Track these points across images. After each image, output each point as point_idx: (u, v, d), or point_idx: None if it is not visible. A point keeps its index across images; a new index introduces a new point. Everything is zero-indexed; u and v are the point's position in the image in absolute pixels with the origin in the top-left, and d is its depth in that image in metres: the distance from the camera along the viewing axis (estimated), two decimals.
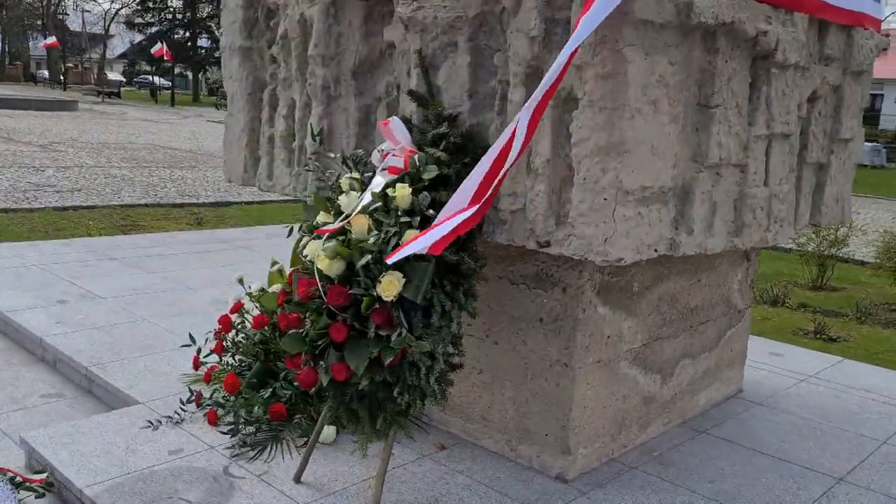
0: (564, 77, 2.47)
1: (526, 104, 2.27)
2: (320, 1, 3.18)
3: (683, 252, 2.71)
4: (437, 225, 2.33)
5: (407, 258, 2.47)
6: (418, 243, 2.27)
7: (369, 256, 2.46)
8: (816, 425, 3.86)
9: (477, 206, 2.32)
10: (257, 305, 3.62)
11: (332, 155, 2.84)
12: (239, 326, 3.70)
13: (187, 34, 51.55)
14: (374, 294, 2.45)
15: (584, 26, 2.22)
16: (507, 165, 2.31)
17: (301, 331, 2.63)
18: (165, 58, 39.01)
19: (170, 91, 45.15)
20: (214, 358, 3.83)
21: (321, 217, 2.74)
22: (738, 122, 2.79)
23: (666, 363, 3.54)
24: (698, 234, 2.75)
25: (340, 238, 2.58)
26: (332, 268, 2.52)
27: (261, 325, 3.48)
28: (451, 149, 2.70)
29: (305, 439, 3.22)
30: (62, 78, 51.56)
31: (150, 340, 4.47)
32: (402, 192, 2.53)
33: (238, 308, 3.74)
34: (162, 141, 20.90)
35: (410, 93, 2.90)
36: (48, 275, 5.84)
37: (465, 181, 2.37)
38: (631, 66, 2.38)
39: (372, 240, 2.47)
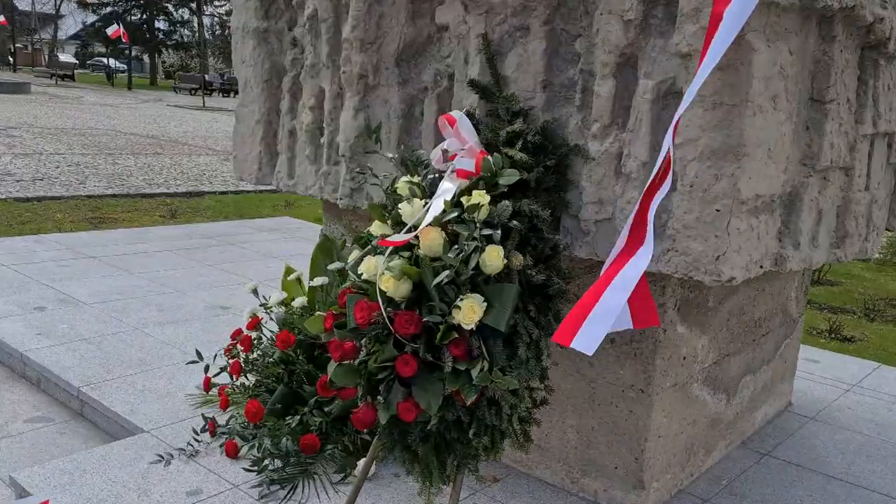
0: (657, 64, 2.14)
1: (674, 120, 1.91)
2: None
3: (789, 267, 2.39)
4: (607, 280, 1.98)
5: (487, 278, 2.11)
6: (609, 318, 1.93)
7: (446, 275, 2.08)
8: (880, 444, 3.60)
9: (642, 248, 1.98)
10: (287, 324, 3.21)
11: (389, 155, 2.45)
12: (259, 344, 3.29)
13: (144, 16, 49.95)
14: (451, 321, 2.09)
15: (733, 20, 1.88)
16: (660, 196, 1.98)
17: (356, 361, 2.25)
18: (123, 39, 37.69)
19: (126, 74, 43.69)
20: (223, 376, 3.43)
21: (376, 228, 2.36)
22: (847, 120, 2.47)
23: (731, 381, 3.23)
24: (804, 247, 2.43)
25: (405, 254, 2.20)
26: (399, 290, 2.14)
27: (287, 346, 3.08)
28: (528, 149, 2.33)
29: (340, 475, 2.85)
30: (11, 59, 49.62)
31: (145, 354, 4.03)
32: (481, 201, 2.16)
33: (256, 324, 3.33)
34: (123, 126, 20.07)
35: (473, 83, 2.53)
36: (21, 276, 5.33)
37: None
38: (756, 56, 2.04)
39: (452, 255, 2.09)
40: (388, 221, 2.34)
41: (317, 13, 2.98)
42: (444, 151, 2.43)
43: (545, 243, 2.24)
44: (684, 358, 2.80)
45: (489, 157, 2.28)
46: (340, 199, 3.03)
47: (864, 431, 3.73)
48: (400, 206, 2.29)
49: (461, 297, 2.09)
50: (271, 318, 3.39)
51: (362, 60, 2.84)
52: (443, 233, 2.16)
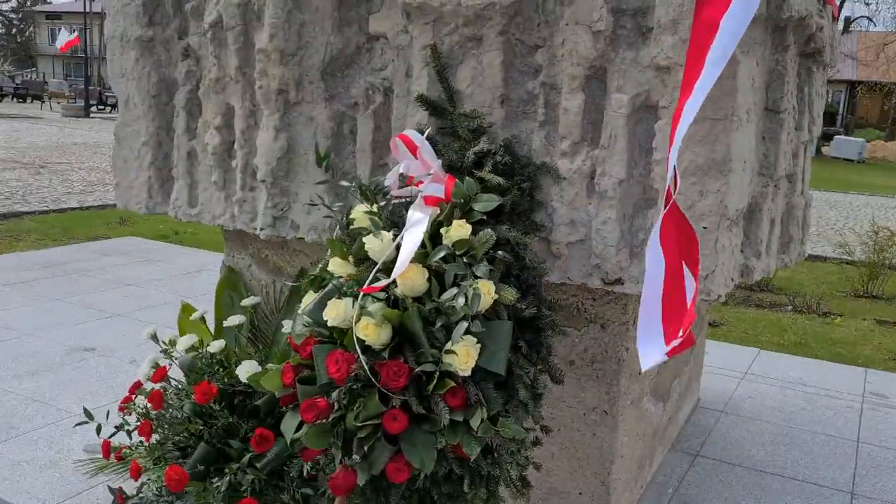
0: (629, 77, 2.05)
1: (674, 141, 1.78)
2: None
3: (755, 278, 2.38)
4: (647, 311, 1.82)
5: (475, 316, 1.92)
6: (657, 346, 1.75)
7: (441, 318, 1.87)
8: (790, 432, 3.75)
9: (692, 271, 1.83)
10: (199, 371, 2.83)
11: (345, 184, 2.17)
12: (167, 397, 2.88)
13: None
14: (446, 368, 1.88)
15: (733, 28, 1.79)
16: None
17: (327, 420, 1.98)
18: None
19: None
20: (120, 436, 2.98)
21: (336, 266, 2.09)
22: (793, 128, 2.50)
23: (665, 388, 3.24)
24: (764, 257, 2.43)
25: (379, 295, 1.96)
26: (381, 336, 1.90)
27: (208, 398, 2.71)
28: (499, 170, 2.15)
29: None
30: None
31: (11, 416, 3.45)
32: (464, 233, 1.96)
33: (163, 375, 2.91)
34: None
35: (422, 99, 2.31)
36: None
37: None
38: (740, 68, 1.99)
39: (446, 297, 1.87)
40: (351, 258, 2.08)
41: (221, 20, 2.63)
42: (402, 176, 2.20)
43: (529, 272, 2.07)
44: (639, 373, 2.74)
45: (460, 182, 2.08)
46: (261, 228, 2.70)
47: (772, 420, 3.88)
48: (364, 240, 2.03)
49: (453, 341, 1.88)
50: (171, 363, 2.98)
51: (282, 74, 2.54)
52: (425, 270, 1.93)
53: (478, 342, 1.89)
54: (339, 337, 1.99)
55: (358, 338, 1.90)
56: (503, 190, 2.11)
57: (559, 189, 2.22)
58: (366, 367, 1.88)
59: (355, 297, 1.96)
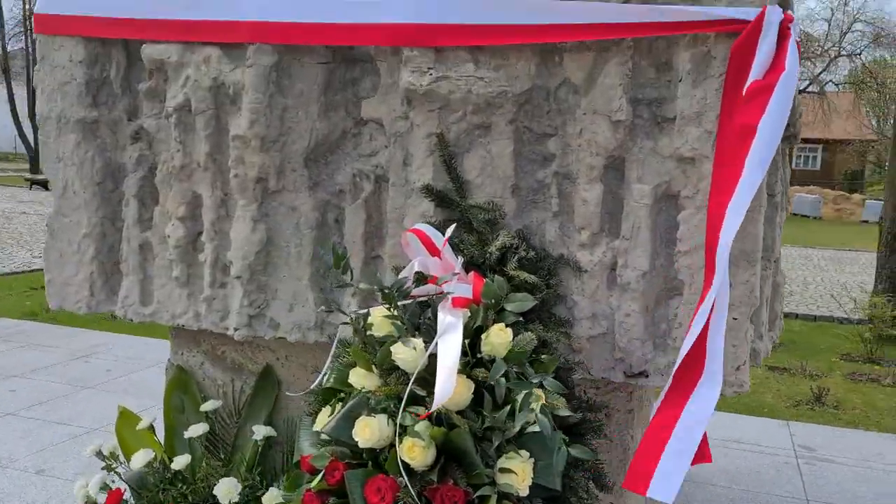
0: (649, 166, 2.04)
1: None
2: (256, 62, 2.28)
3: (759, 362, 2.39)
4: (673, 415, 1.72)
5: (521, 430, 1.79)
6: (687, 455, 1.66)
7: (496, 435, 1.72)
8: (745, 497, 3.81)
9: (704, 378, 1.76)
10: (152, 490, 2.50)
11: (373, 287, 1.96)
12: None
13: None
14: (503, 489, 1.72)
15: (770, 133, 1.81)
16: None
17: None
18: None
19: None
20: None
21: (360, 378, 1.89)
22: (782, 208, 2.55)
23: None
24: (765, 338, 2.45)
25: (415, 409, 1.79)
26: (427, 458, 1.72)
27: None
28: (525, 265, 2.05)
29: None
30: None
31: None
32: (505, 338, 1.83)
33: (118, 499, 2.55)
34: None
35: (429, 189, 2.18)
36: None
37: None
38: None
39: (503, 413, 1.72)
40: (377, 370, 1.90)
41: (188, 104, 2.40)
42: (418, 274, 2.05)
43: (567, 373, 1.97)
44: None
45: (490, 281, 1.96)
46: (235, 329, 2.45)
47: (722, 483, 3.93)
48: (393, 349, 1.86)
49: (505, 457, 1.74)
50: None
51: (262, 162, 2.34)
52: (470, 382, 1.79)
53: (531, 456, 1.76)
54: (369, 458, 1.80)
55: (402, 460, 1.72)
56: (532, 287, 2.00)
57: (580, 282, 2.14)
58: (414, 495, 1.70)
59: (390, 415, 1.78)
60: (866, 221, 26.11)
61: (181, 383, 2.86)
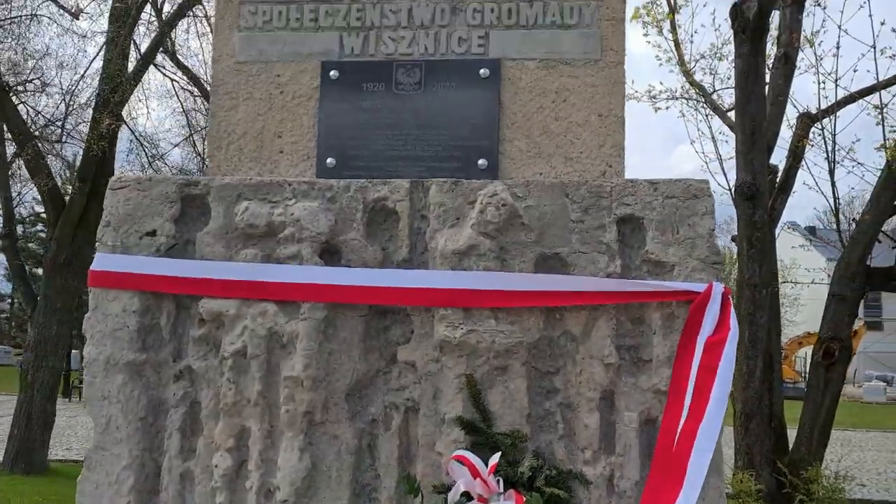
0: (633, 398, 2.67)
1: None
2: (311, 316, 2.77)
3: None
4: None
5: None
6: None
7: None
8: None
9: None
10: None
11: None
12: None
13: None
14: None
15: (725, 375, 2.50)
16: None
17: None
18: None
19: None
20: None
21: None
22: None
23: None
24: None
25: None
26: None
27: None
28: (551, 482, 2.56)
29: None
30: None
31: None
32: None
33: None
34: None
35: (460, 420, 2.69)
36: None
37: None
38: None
39: None
40: None
41: (245, 349, 2.81)
42: (465, 494, 2.50)
43: None
44: None
45: (529, 499, 2.45)
46: None
47: None
48: None
49: None
50: None
51: (311, 398, 2.76)
52: None
53: None
54: None
55: None
56: (559, 500, 2.51)
57: (587, 492, 2.66)
58: None
59: None
60: None
61: None
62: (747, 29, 8.13)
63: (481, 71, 3.06)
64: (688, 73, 11.91)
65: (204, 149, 17.12)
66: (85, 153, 11.03)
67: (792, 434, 9.27)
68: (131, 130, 13.30)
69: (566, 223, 2.76)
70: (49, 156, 12.17)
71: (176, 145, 16.76)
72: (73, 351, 25.04)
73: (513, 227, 2.75)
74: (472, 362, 2.73)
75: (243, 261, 2.86)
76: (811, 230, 40.35)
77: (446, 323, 2.73)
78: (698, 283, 2.66)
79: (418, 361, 2.80)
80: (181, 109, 14.41)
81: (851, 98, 9.46)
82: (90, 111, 11.59)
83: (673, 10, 12.30)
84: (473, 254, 2.74)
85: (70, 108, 12.70)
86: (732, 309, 2.64)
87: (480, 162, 3.02)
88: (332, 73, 3.15)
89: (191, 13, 11.98)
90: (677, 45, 11.96)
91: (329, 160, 3.11)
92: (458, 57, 3.10)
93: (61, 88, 13.44)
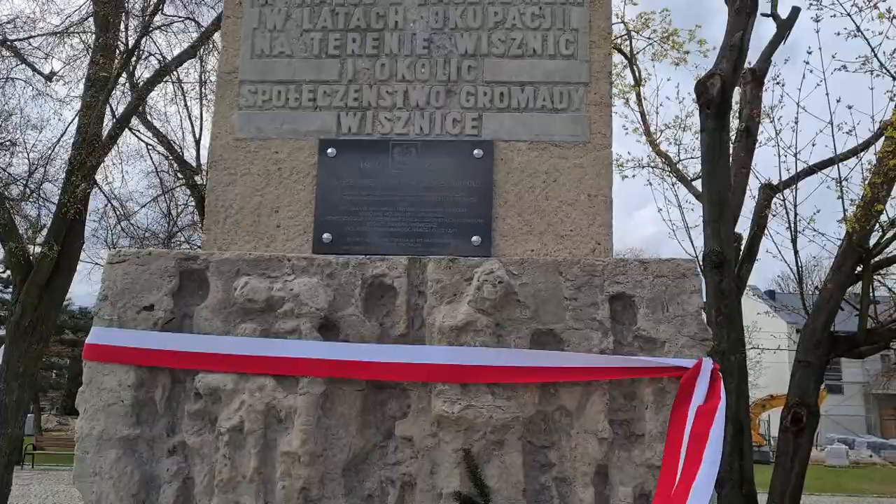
0: (626, 472, 2.74)
1: None
2: (309, 391, 2.80)
3: None
4: None
5: None
6: None
7: None
8: None
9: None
10: None
11: None
12: None
13: None
14: None
15: (717, 437, 2.57)
16: None
17: None
18: None
19: None
20: None
21: None
22: None
23: None
24: None
25: None
26: None
27: None
28: None
29: None
30: None
31: None
32: None
33: None
34: None
35: (458, 495, 2.71)
36: None
37: None
38: None
39: None
40: None
41: (242, 425, 2.82)
42: None
43: None
44: None
45: None
46: None
47: None
48: None
49: None
50: None
51: (308, 474, 2.76)
52: None
53: None
54: None
55: None
56: None
57: None
58: None
59: None
60: None
61: None
62: (712, 105, 8.46)
63: (475, 151, 3.18)
64: (654, 144, 12.29)
65: (171, 209, 17.09)
66: (56, 215, 10.94)
67: (762, 499, 9.33)
68: (104, 194, 13.23)
69: (560, 300, 2.85)
70: (16, 216, 12.02)
71: (143, 206, 16.67)
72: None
73: (509, 303, 2.83)
74: (469, 437, 2.77)
75: (242, 335, 2.89)
76: (771, 294, 41.20)
77: (444, 398, 2.77)
78: (688, 360, 2.75)
79: (415, 436, 2.83)
80: (153, 170, 14.40)
81: (811, 170, 9.82)
82: (59, 171, 11.57)
83: (638, 82, 12.78)
84: (471, 329, 2.81)
85: (34, 167, 12.64)
86: (721, 381, 2.73)
87: (474, 238, 3.12)
88: (329, 150, 3.24)
89: (168, 78, 12.10)
90: (643, 116, 12.37)
91: (325, 235, 3.18)
92: (453, 137, 3.22)
93: (25, 147, 13.41)
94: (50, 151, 12.00)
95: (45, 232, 12.05)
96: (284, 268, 2.95)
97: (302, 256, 2.97)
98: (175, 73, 12.54)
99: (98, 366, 2.95)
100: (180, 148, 13.29)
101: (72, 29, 12.13)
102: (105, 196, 13.14)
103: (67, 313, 34.52)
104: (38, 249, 11.87)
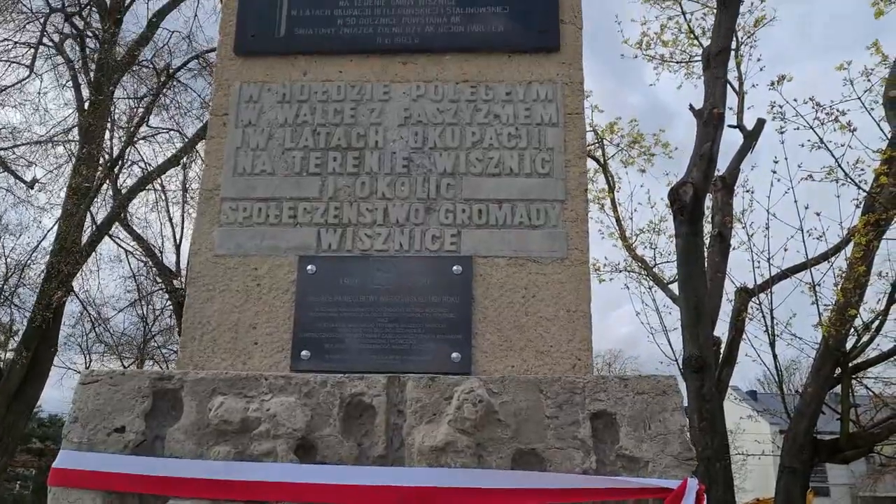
0: None
1: None
2: None
3: None
4: None
5: None
6: None
7: None
8: None
9: None
10: None
11: None
12: None
13: None
14: None
15: None
16: None
17: None
18: None
19: None
20: None
21: None
22: None
23: None
24: None
25: None
26: None
27: None
28: None
29: None
30: None
31: None
32: None
33: None
34: None
35: None
36: None
37: None
38: None
39: None
40: None
41: None
42: None
43: None
44: None
45: None
46: None
47: None
48: None
49: None
50: None
51: None
52: None
53: None
54: None
55: None
56: None
57: None
58: None
59: None
60: None
61: None
62: (685, 211, 8.67)
63: (454, 268, 3.20)
64: (630, 248, 12.49)
65: (147, 314, 16.92)
66: (29, 323, 10.78)
67: None
68: (80, 300, 13.09)
69: (541, 419, 2.82)
70: None
71: (120, 310, 16.51)
72: None
73: (489, 423, 2.79)
74: None
75: (215, 458, 2.81)
76: (752, 394, 40.99)
77: None
78: (673, 480, 2.70)
79: None
80: (131, 275, 14.33)
81: (784, 275, 9.99)
82: (37, 276, 11.47)
83: (612, 188, 13.10)
84: (451, 450, 2.75)
85: (10, 273, 12.54)
86: (705, 498, 2.68)
87: (454, 355, 3.10)
88: (308, 267, 3.25)
89: (150, 186, 12.22)
90: (619, 221, 12.61)
91: (304, 353, 3.14)
92: (432, 254, 3.24)
93: (3, 252, 13.34)
94: (27, 259, 11.93)
95: (17, 338, 11.85)
96: (262, 387, 2.90)
97: (279, 375, 2.93)
98: (159, 180, 12.69)
99: (63, 492, 2.84)
100: (160, 252, 13.30)
101: (56, 138, 12.30)
102: (80, 302, 12.99)
103: (36, 421, 33.46)
104: (9, 356, 11.64)
